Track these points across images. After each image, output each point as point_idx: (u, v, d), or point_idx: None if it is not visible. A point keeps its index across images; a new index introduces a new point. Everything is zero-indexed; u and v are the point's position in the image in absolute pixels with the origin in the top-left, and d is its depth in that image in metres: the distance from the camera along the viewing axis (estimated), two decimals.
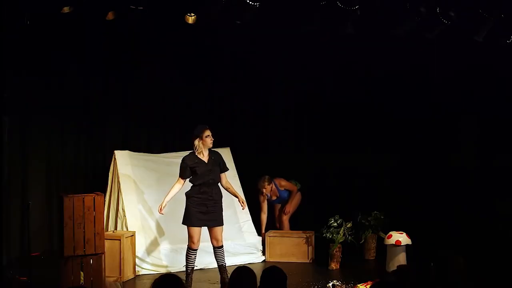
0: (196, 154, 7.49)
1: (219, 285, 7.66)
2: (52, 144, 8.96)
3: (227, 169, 7.71)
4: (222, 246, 7.53)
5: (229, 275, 7.42)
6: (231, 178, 9.07)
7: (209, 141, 7.46)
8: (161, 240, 8.45)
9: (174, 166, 8.70)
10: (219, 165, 7.59)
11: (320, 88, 10.08)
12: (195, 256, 7.53)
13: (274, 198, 9.42)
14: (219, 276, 7.62)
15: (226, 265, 7.60)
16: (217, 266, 7.68)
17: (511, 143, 8.90)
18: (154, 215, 8.59)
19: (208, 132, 7.44)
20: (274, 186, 9.36)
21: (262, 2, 7.27)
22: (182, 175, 7.49)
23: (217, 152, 7.63)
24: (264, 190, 9.26)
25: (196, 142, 7.45)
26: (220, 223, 7.49)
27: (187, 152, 8.72)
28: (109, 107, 9.35)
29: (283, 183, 9.43)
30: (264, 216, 9.36)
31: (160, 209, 7.41)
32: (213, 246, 7.54)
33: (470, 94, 9.18)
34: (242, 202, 7.84)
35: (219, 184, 7.59)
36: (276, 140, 10.04)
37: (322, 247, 8.79)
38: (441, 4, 7.63)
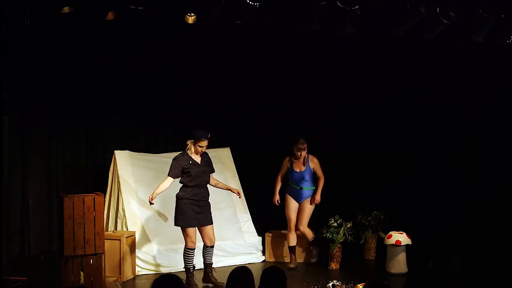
0: (189, 154, 7.57)
1: (218, 284, 7.71)
2: (52, 144, 8.98)
3: (214, 171, 7.89)
4: (213, 245, 7.73)
5: (215, 273, 7.63)
6: (231, 178, 9.12)
7: (199, 150, 7.55)
8: (161, 240, 8.45)
9: None
10: (209, 166, 7.75)
11: (320, 88, 10.07)
12: (194, 255, 7.62)
13: (297, 170, 8.57)
14: (204, 274, 7.76)
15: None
16: (208, 265, 7.79)
17: (511, 143, 8.90)
18: (154, 215, 8.60)
19: (204, 143, 7.52)
20: (306, 157, 8.54)
21: (262, 2, 7.26)
22: (173, 174, 7.55)
23: (206, 152, 7.73)
24: (302, 153, 8.39)
25: (189, 143, 7.56)
26: (212, 222, 7.71)
27: None
28: (109, 107, 9.36)
29: (316, 161, 8.58)
30: (278, 186, 8.70)
31: (152, 198, 7.44)
32: (205, 245, 7.68)
33: (470, 94, 9.18)
34: (238, 193, 8.16)
35: None
36: (276, 140, 10.03)
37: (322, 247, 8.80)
38: (441, 4, 7.63)
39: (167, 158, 8.98)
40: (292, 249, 8.70)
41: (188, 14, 7.97)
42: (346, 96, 9.95)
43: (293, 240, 8.67)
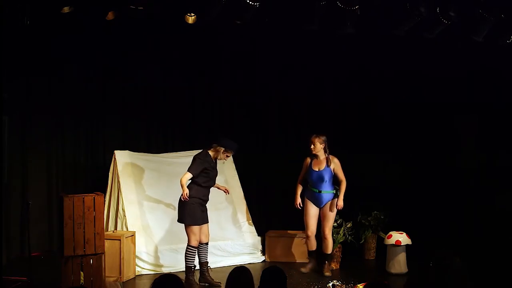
0: (211, 157, 7.71)
1: (215, 283, 7.74)
2: (52, 144, 8.97)
3: None
4: (208, 242, 7.84)
5: (211, 272, 7.69)
6: (231, 178, 9.13)
7: (224, 159, 7.81)
8: (161, 240, 8.46)
9: (174, 166, 8.74)
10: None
11: (320, 88, 10.06)
12: (196, 254, 7.69)
13: (316, 169, 8.12)
14: (200, 273, 7.78)
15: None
16: (208, 265, 7.84)
17: (511, 143, 8.90)
18: (155, 215, 8.60)
19: (231, 154, 7.84)
20: (326, 156, 8.14)
21: (262, 2, 7.26)
22: (194, 171, 7.60)
23: None
24: (313, 146, 8.04)
25: (221, 151, 7.68)
26: (208, 220, 7.85)
27: (187, 152, 8.76)
28: (109, 107, 9.35)
29: (338, 162, 8.15)
30: (299, 189, 8.31)
31: (187, 194, 7.52)
32: (200, 242, 7.73)
33: (470, 94, 9.18)
34: (225, 190, 8.22)
35: None
36: (276, 140, 10.02)
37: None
38: (441, 4, 7.63)
39: (167, 158, 9.02)
40: (311, 254, 8.38)
41: (188, 14, 7.98)
42: (346, 96, 9.94)
43: (312, 245, 8.31)
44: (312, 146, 8.11)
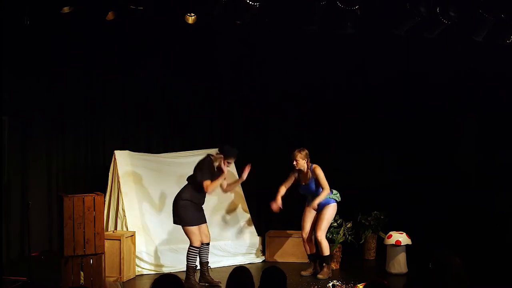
0: (214, 163, 7.71)
1: (214, 283, 7.74)
2: (52, 144, 8.98)
3: None
4: (209, 242, 7.86)
5: (211, 272, 7.69)
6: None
7: (227, 165, 7.72)
8: (161, 240, 8.46)
9: (174, 166, 8.74)
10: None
11: (320, 88, 10.07)
12: (198, 255, 7.69)
13: (302, 183, 8.15)
14: (200, 273, 7.79)
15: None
16: (208, 265, 7.85)
17: (511, 142, 8.90)
18: (154, 215, 8.60)
19: (232, 161, 7.81)
20: (309, 168, 8.06)
21: (262, 2, 7.27)
22: (209, 177, 7.58)
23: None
24: (295, 162, 7.99)
25: (220, 158, 7.66)
26: (206, 220, 7.89)
27: (187, 152, 8.75)
28: (109, 107, 9.36)
29: (318, 171, 8.03)
30: (281, 190, 8.21)
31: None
32: (202, 243, 7.74)
33: (470, 94, 9.18)
34: (240, 178, 8.07)
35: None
36: (276, 140, 10.03)
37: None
38: (441, 4, 7.63)
39: (167, 158, 9.02)
40: (310, 258, 8.33)
41: (188, 14, 7.97)
42: (346, 96, 9.95)
43: (308, 249, 8.29)
44: (294, 162, 8.06)
